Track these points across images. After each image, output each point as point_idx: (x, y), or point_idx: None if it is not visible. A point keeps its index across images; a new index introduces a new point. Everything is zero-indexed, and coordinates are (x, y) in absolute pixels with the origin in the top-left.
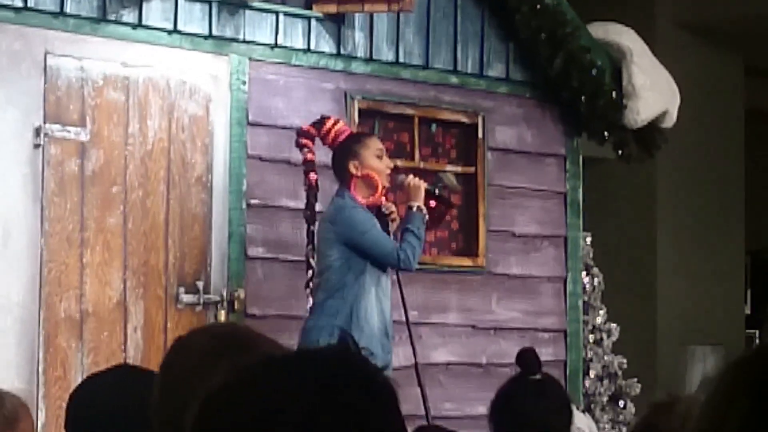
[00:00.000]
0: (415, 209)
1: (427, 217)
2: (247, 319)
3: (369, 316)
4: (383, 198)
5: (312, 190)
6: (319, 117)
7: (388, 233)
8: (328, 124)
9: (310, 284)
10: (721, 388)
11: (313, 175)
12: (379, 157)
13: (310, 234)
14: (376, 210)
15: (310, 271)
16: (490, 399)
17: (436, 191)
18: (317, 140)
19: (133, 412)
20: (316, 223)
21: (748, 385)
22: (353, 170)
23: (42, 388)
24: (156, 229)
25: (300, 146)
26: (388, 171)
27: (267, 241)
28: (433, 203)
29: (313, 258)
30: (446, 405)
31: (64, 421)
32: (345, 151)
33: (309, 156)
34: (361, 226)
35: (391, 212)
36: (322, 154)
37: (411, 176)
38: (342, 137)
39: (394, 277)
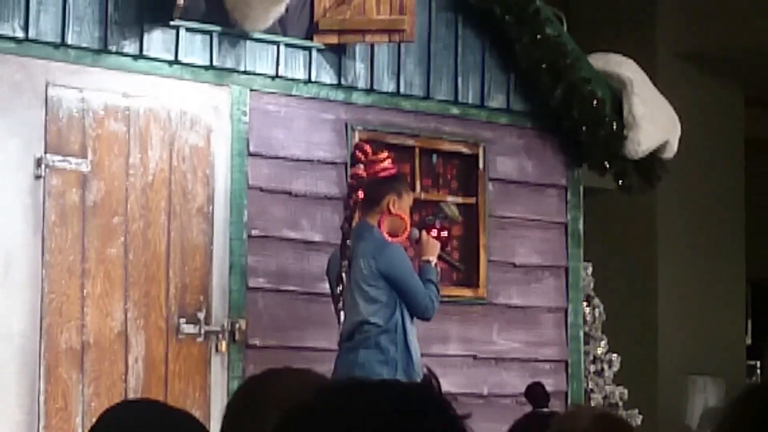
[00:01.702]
0: (433, 264)
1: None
2: (248, 350)
3: (414, 350)
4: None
5: (356, 206)
6: (372, 145)
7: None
8: (383, 155)
9: (341, 301)
10: (728, 421)
11: (361, 192)
12: (410, 206)
13: (345, 247)
14: None
15: (340, 287)
16: (493, 429)
17: (447, 260)
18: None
19: None
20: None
21: (752, 417)
22: (390, 206)
23: (43, 419)
24: (157, 260)
25: (355, 159)
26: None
27: (268, 272)
28: (435, 233)
29: (346, 273)
30: None
31: None
32: (389, 185)
33: (361, 171)
34: (406, 267)
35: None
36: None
37: (425, 233)
38: (384, 174)
39: None
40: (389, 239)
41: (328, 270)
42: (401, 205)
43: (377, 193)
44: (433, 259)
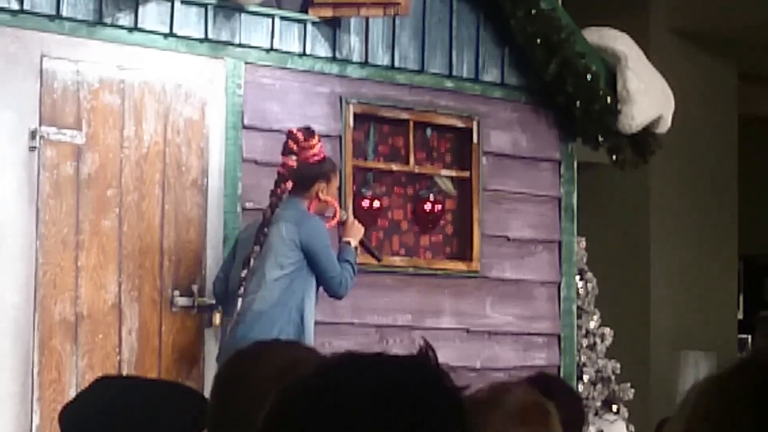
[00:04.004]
0: (353, 246)
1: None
2: None
3: (308, 322)
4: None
5: (283, 195)
6: (307, 126)
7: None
8: (315, 140)
9: (243, 283)
10: (723, 401)
11: (290, 184)
12: (336, 189)
13: (262, 235)
14: None
15: (245, 270)
16: None
17: (367, 247)
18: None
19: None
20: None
21: (752, 397)
22: (320, 193)
23: (37, 390)
24: (151, 233)
25: (288, 149)
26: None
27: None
28: (428, 207)
29: (255, 258)
30: None
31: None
32: (318, 172)
33: (292, 162)
34: (325, 239)
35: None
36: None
37: (351, 216)
38: (316, 158)
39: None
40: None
41: (234, 246)
42: (330, 191)
43: (307, 179)
44: (354, 242)
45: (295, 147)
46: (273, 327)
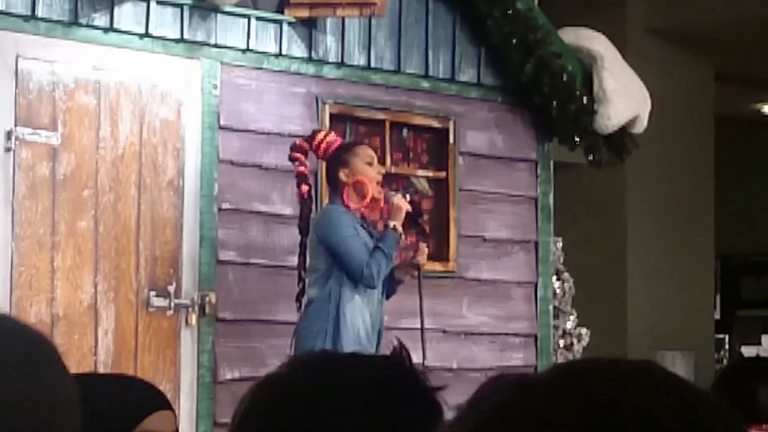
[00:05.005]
0: (391, 228)
1: (402, 236)
2: (218, 323)
3: (353, 321)
4: (373, 204)
5: (306, 202)
6: (311, 131)
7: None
8: (319, 136)
9: (301, 297)
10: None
11: (305, 187)
12: (370, 164)
13: (303, 245)
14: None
15: (301, 284)
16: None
17: (414, 220)
18: (310, 154)
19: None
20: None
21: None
22: (344, 178)
23: None
24: (127, 233)
25: (292, 160)
26: (380, 177)
27: (238, 246)
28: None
29: (304, 270)
30: None
31: None
32: (335, 160)
33: (300, 169)
34: (339, 230)
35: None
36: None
37: (398, 195)
38: (332, 148)
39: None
40: (356, 208)
41: None
42: (355, 170)
43: (331, 174)
44: (393, 223)
45: (300, 156)
46: (313, 321)
